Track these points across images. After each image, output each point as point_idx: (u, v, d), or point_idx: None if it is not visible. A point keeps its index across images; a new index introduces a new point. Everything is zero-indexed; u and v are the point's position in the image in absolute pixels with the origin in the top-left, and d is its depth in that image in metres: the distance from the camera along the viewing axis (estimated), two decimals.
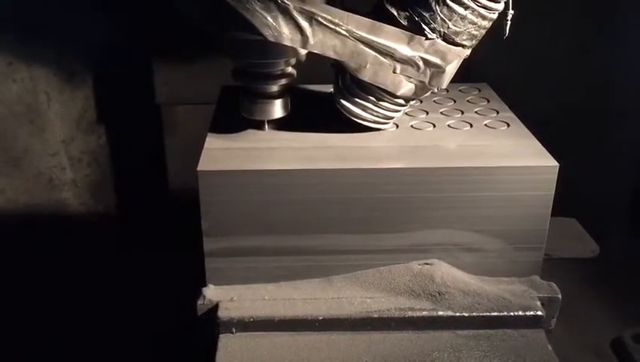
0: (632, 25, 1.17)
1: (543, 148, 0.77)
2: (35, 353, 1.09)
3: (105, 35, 1.20)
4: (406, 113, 0.88)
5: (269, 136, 0.82)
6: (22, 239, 1.29)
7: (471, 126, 0.84)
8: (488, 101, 0.92)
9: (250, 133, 0.83)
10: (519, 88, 1.12)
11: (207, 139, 0.80)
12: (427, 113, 0.88)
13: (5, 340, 1.10)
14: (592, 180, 1.22)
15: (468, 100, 0.93)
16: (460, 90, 0.96)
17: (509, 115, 0.88)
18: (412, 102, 0.82)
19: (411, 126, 0.84)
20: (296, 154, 0.77)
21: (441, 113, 0.88)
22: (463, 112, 0.88)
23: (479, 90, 0.96)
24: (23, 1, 1.17)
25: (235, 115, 0.86)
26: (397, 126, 0.84)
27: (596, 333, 0.95)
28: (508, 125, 0.84)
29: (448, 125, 0.85)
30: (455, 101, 0.92)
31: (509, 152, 0.77)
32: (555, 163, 0.74)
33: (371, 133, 0.82)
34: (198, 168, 0.73)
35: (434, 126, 0.84)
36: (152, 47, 1.15)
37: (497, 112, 0.88)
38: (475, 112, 0.88)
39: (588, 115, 1.20)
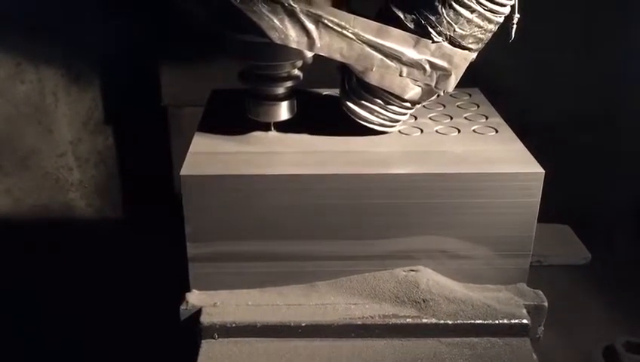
0: (637, 29, 1.17)
1: (530, 155, 0.77)
2: (37, 352, 1.10)
3: (112, 36, 1.21)
4: None
5: (256, 140, 0.82)
6: (28, 239, 1.29)
7: (459, 131, 0.84)
8: (478, 106, 0.92)
9: (237, 137, 0.82)
10: (523, 93, 1.11)
11: (193, 143, 0.80)
12: (415, 118, 0.87)
13: (9, 338, 1.11)
14: (598, 185, 1.21)
15: (458, 105, 0.92)
16: (450, 96, 0.95)
17: (497, 120, 0.87)
18: (418, 106, 0.81)
19: (399, 131, 0.84)
20: (281, 159, 0.77)
21: (430, 118, 0.88)
22: (451, 118, 0.88)
23: (470, 95, 0.96)
24: (30, 3, 1.17)
25: (223, 118, 0.86)
26: None
27: (588, 341, 0.94)
28: (496, 131, 0.84)
29: (436, 131, 0.84)
30: (445, 106, 0.92)
31: (495, 158, 0.76)
32: (541, 169, 0.73)
33: (356, 138, 0.81)
34: (181, 173, 0.73)
35: (421, 131, 0.84)
36: (158, 48, 1.16)
37: (486, 118, 0.88)
38: (464, 118, 0.88)
39: (592, 120, 1.19)
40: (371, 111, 0.79)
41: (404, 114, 0.81)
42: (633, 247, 1.17)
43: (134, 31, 1.20)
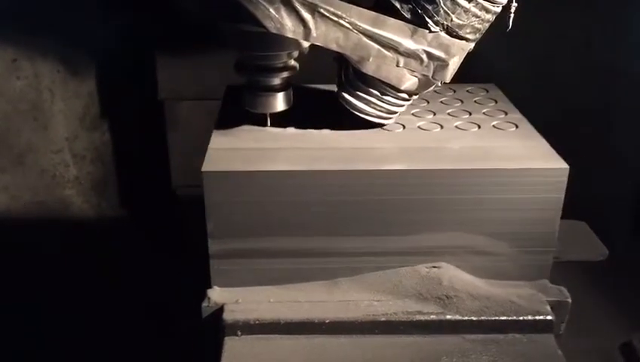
0: (636, 23, 1.16)
1: (553, 150, 0.76)
2: (35, 352, 1.09)
3: (108, 31, 1.20)
4: (413, 114, 0.87)
5: (274, 136, 0.81)
6: (25, 236, 1.28)
7: (479, 127, 0.83)
8: (496, 102, 0.91)
9: (255, 132, 0.82)
10: (521, 88, 1.11)
11: (212, 139, 0.79)
12: (434, 114, 0.87)
13: (6, 338, 1.10)
14: (597, 181, 1.21)
15: (475, 101, 0.92)
16: (467, 91, 0.95)
17: (517, 116, 0.87)
18: (415, 97, 0.81)
19: (418, 127, 0.83)
20: (302, 155, 0.76)
21: (449, 114, 0.87)
22: (470, 113, 0.87)
23: (487, 91, 0.95)
24: None
25: (240, 113, 0.85)
26: (404, 127, 0.83)
27: (605, 337, 0.94)
28: (516, 126, 0.83)
29: (456, 126, 0.83)
30: (462, 102, 0.91)
31: (518, 154, 0.76)
32: (565, 165, 0.73)
33: (378, 133, 0.81)
34: (203, 169, 0.72)
35: (441, 127, 0.83)
36: (155, 43, 1.15)
37: (505, 113, 0.87)
38: (483, 113, 0.87)
39: (591, 115, 1.19)
40: (367, 103, 0.79)
41: (401, 105, 0.80)
42: (632, 244, 1.17)
43: (130, 25, 1.19)
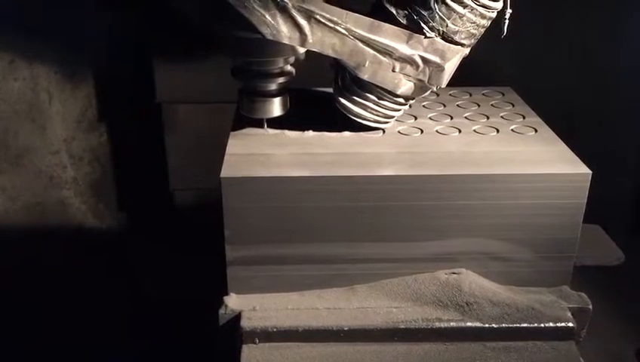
0: (633, 24, 1.16)
1: (574, 155, 0.76)
2: (33, 352, 1.08)
3: (106, 33, 1.19)
4: (430, 117, 0.86)
5: (292, 141, 0.80)
6: (23, 237, 1.28)
7: (497, 131, 0.82)
8: (513, 105, 0.91)
9: (272, 137, 0.81)
10: (521, 89, 1.11)
11: (229, 144, 0.79)
12: (451, 118, 0.86)
13: (5, 340, 1.09)
14: (596, 181, 1.20)
15: (492, 105, 0.91)
16: (483, 94, 0.94)
17: (535, 119, 0.86)
18: (412, 102, 0.81)
19: (436, 131, 0.82)
20: (321, 160, 0.75)
21: (466, 118, 0.86)
22: (488, 117, 0.86)
23: (503, 94, 0.94)
24: (24, 0, 1.16)
25: (255, 119, 0.84)
26: (422, 131, 0.82)
27: (620, 343, 0.93)
28: (535, 130, 0.82)
29: (474, 130, 0.83)
30: (479, 105, 0.90)
31: (539, 159, 0.75)
32: (587, 170, 0.72)
33: (397, 138, 0.80)
34: (222, 175, 0.71)
35: (459, 131, 0.82)
36: (152, 45, 1.14)
37: (523, 117, 0.86)
38: (501, 117, 0.86)
39: (591, 115, 1.18)
40: (364, 108, 0.79)
41: (398, 110, 0.80)
42: (632, 245, 1.16)
43: (128, 28, 1.18)
